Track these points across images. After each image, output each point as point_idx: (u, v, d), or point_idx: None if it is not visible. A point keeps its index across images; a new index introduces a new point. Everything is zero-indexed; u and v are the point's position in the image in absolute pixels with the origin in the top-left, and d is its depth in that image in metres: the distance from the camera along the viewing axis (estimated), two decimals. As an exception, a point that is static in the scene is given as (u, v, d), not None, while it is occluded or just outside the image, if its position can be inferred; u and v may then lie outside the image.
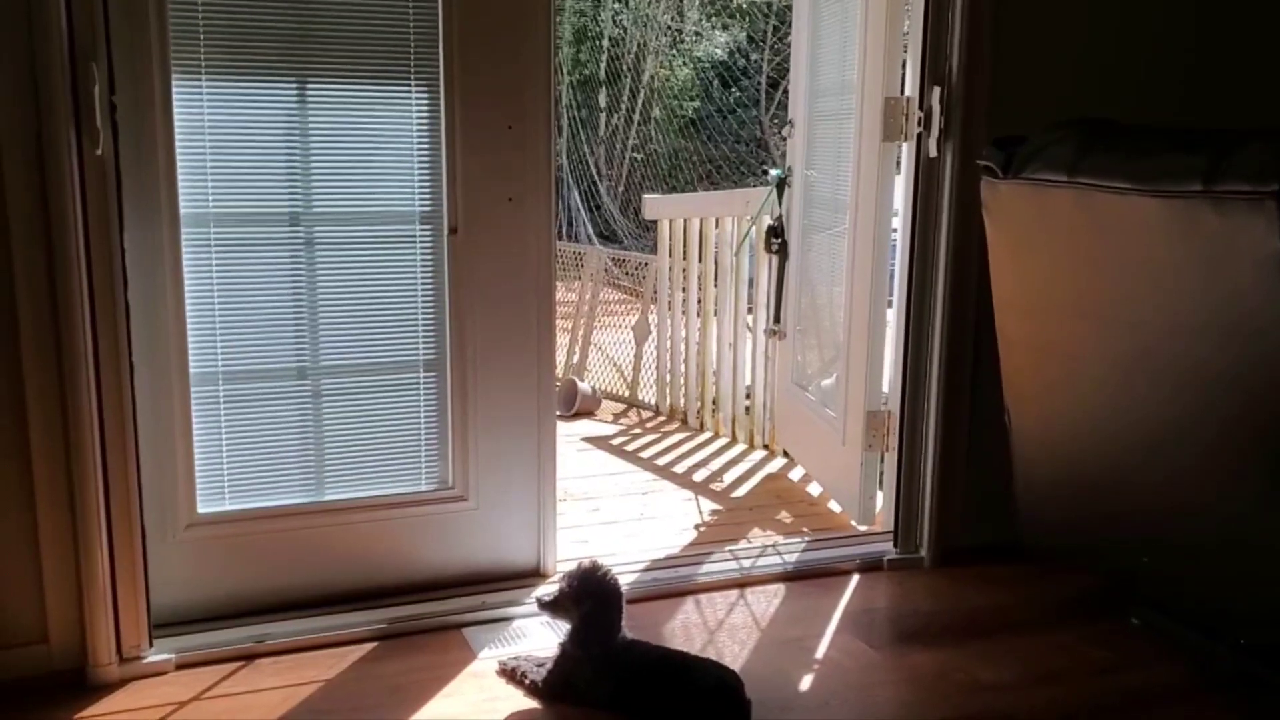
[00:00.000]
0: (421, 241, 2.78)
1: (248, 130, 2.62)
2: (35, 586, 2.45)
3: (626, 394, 5.49)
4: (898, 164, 3.26)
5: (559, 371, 5.60)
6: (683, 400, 5.01)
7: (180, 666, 2.55)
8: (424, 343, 2.83)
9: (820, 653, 2.70)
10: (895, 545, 3.24)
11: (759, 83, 11.17)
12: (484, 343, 2.85)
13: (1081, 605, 2.99)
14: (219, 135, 2.59)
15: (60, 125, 2.29)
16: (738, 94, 11.42)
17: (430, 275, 2.80)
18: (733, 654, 2.66)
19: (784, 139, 4.26)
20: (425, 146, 2.73)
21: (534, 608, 2.63)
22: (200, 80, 2.54)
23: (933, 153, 3.04)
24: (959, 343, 3.10)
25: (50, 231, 2.32)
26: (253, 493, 2.75)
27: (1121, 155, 2.41)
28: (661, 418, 5.12)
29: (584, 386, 5.26)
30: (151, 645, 2.55)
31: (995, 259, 2.77)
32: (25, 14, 2.24)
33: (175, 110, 2.52)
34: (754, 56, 11.47)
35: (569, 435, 4.70)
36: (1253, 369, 2.23)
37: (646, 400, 5.34)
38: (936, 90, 3.00)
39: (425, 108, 2.72)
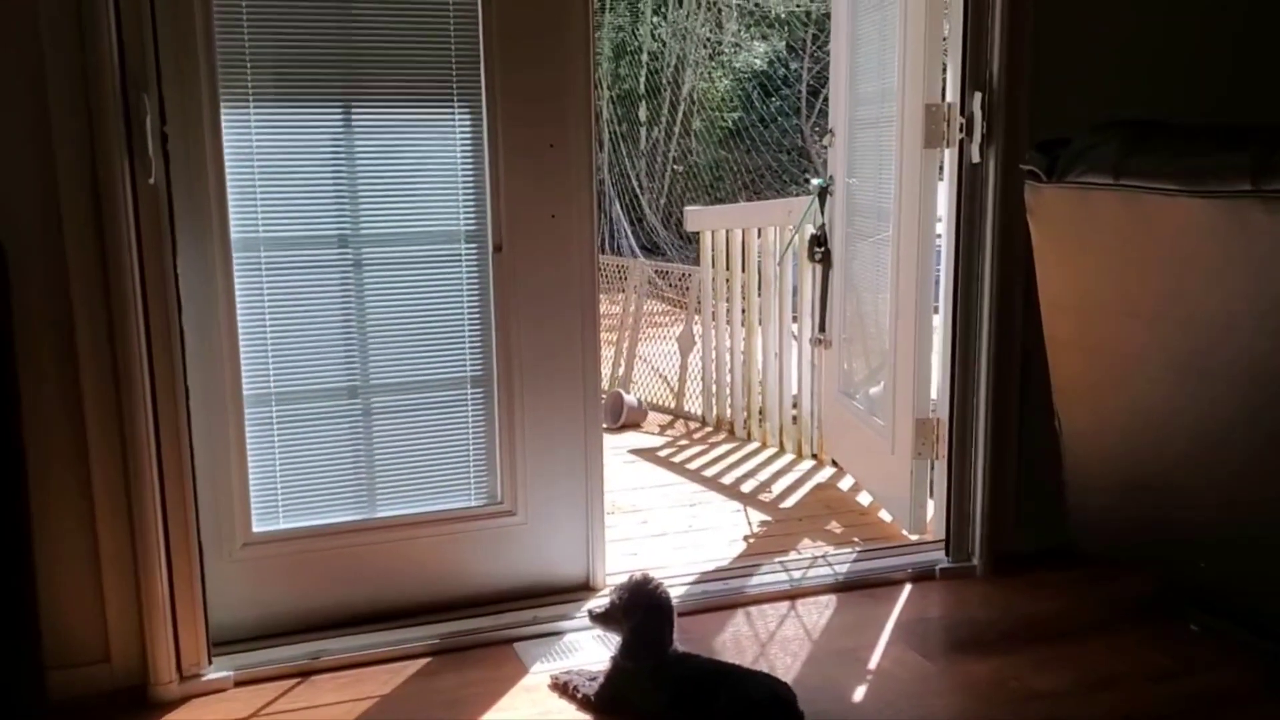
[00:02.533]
0: (467, 260, 2.81)
1: (295, 155, 2.67)
2: (97, 606, 2.50)
3: (672, 405, 5.50)
4: (940, 170, 3.25)
5: (604, 384, 5.63)
6: (729, 411, 5.00)
7: (239, 684, 2.59)
8: (471, 359, 2.86)
9: (873, 663, 2.69)
10: (947, 554, 3.21)
11: (799, 91, 11.14)
12: (530, 358, 2.87)
13: (1138, 610, 2.95)
14: (267, 160, 2.64)
15: (114, 156, 2.35)
16: (778, 103, 11.40)
17: (476, 293, 2.83)
18: (784, 666, 2.66)
19: (825, 147, 4.25)
20: (469, 166, 2.77)
21: (585, 621, 2.65)
22: (248, 107, 2.60)
23: (975, 158, 3.02)
24: (1006, 347, 3.07)
25: (106, 259, 2.38)
26: (307, 511, 2.79)
27: (1166, 155, 2.39)
28: (708, 428, 5.12)
29: (630, 399, 5.28)
30: (211, 663, 2.60)
31: (1041, 262, 2.75)
32: (79, 47, 2.30)
33: (225, 137, 2.57)
34: (794, 65, 11.45)
35: (616, 448, 4.72)
36: (1309, 367, 2.20)
37: (693, 411, 5.35)
38: (978, 95, 2.98)
39: (468, 128, 2.75)
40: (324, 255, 2.72)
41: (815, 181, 4.14)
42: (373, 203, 2.73)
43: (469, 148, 2.76)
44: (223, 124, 2.56)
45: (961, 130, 3.04)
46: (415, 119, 2.73)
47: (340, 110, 2.68)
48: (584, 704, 2.49)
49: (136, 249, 2.40)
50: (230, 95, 2.57)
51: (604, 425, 4.85)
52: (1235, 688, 2.55)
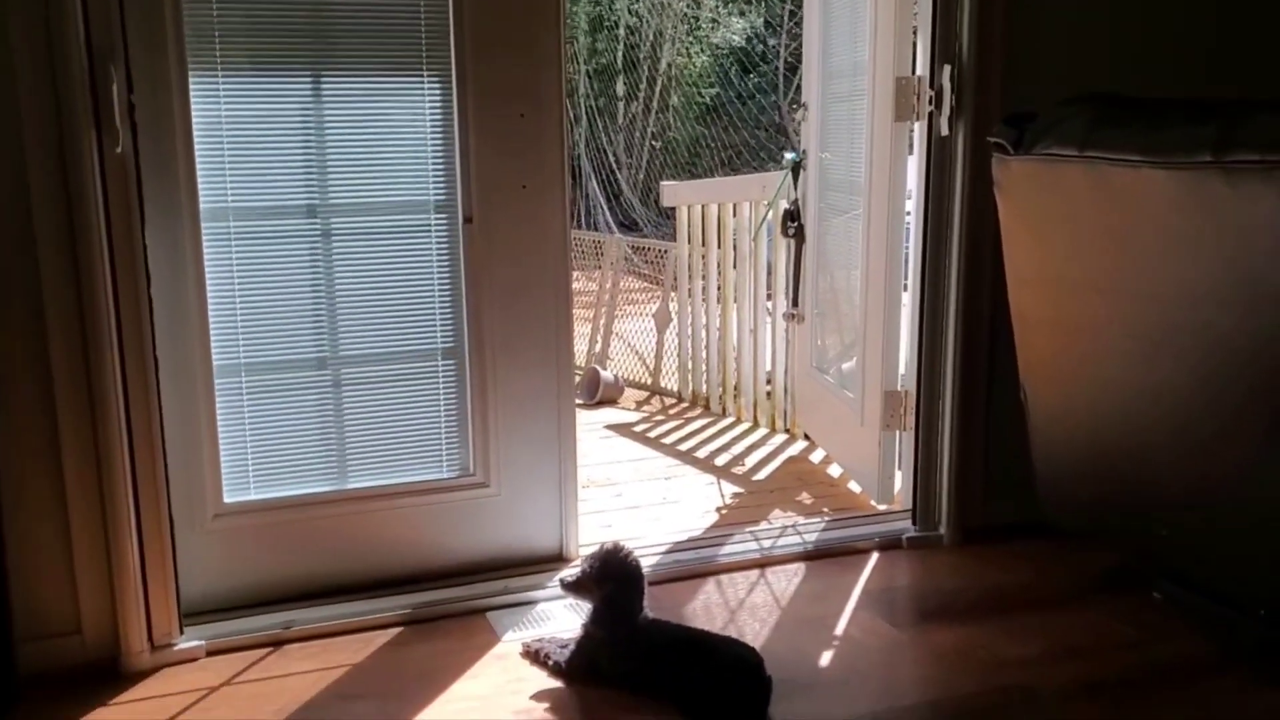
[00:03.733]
0: (437, 230, 2.81)
1: (264, 124, 2.65)
2: (67, 579, 2.50)
3: (649, 381, 5.52)
4: (911, 145, 3.26)
5: (581, 361, 5.64)
6: (705, 386, 5.03)
7: (211, 653, 2.59)
8: (442, 331, 2.86)
9: (840, 630, 2.72)
10: (914, 523, 3.25)
11: (777, 68, 11.13)
12: (502, 330, 2.88)
13: (1104, 581, 3.00)
14: (236, 130, 2.63)
15: (81, 126, 2.33)
16: (756, 80, 11.39)
17: (446, 264, 2.83)
18: (753, 632, 2.68)
19: (799, 122, 4.26)
20: (439, 136, 2.76)
21: (557, 590, 2.67)
22: (217, 76, 2.58)
23: (944, 131, 3.03)
24: (974, 321, 3.10)
25: (74, 229, 2.36)
26: (277, 482, 2.80)
27: (1133, 128, 2.40)
28: (684, 404, 5.14)
29: (606, 375, 5.29)
30: (182, 633, 2.60)
31: (1009, 237, 2.77)
32: (43, 18, 2.28)
33: (193, 106, 2.56)
34: (771, 42, 11.44)
35: (592, 423, 4.73)
36: (1273, 338, 2.23)
37: (669, 387, 5.36)
38: (947, 69, 2.99)
39: (438, 98, 2.75)
40: (293, 225, 2.71)
41: (789, 156, 4.15)
42: (342, 173, 2.72)
43: (439, 118, 2.76)
44: (191, 93, 2.55)
45: (931, 103, 3.05)
46: (385, 88, 2.72)
47: (309, 79, 2.67)
48: (555, 671, 2.51)
49: (104, 219, 2.39)
50: (198, 64, 2.56)
51: (580, 401, 4.88)
52: (1197, 655, 2.59)
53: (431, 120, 2.75)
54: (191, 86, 2.55)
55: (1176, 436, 2.52)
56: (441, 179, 2.78)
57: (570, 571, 2.59)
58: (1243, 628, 2.61)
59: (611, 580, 2.50)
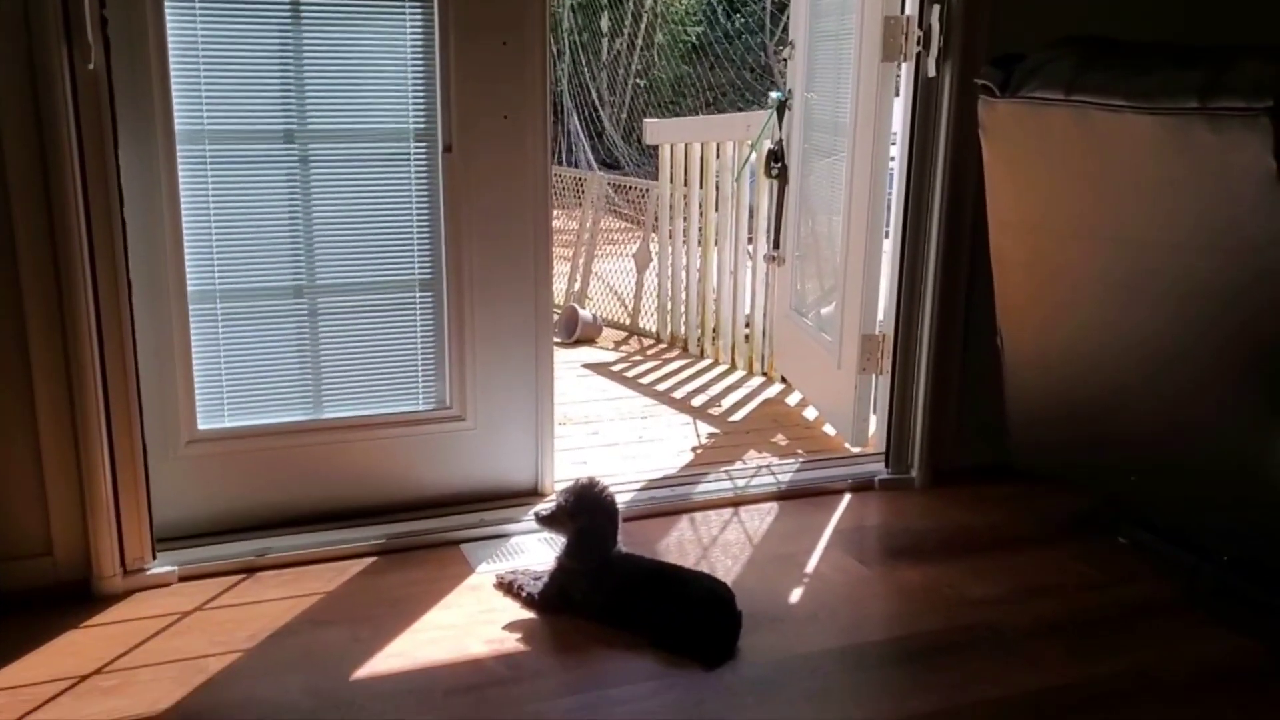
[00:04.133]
0: (416, 159, 2.77)
1: (241, 46, 2.60)
2: (39, 501, 2.49)
3: (627, 321, 5.51)
4: (898, 87, 3.24)
5: (560, 300, 5.62)
6: (683, 328, 5.02)
7: (183, 579, 2.60)
8: (419, 262, 2.84)
9: (810, 568, 2.75)
10: (887, 466, 3.28)
11: (764, 6, 10.99)
12: (480, 262, 2.86)
13: (1071, 524, 3.04)
14: (212, 51, 2.57)
15: (51, 40, 2.28)
16: (742, 19, 11.24)
17: (425, 193, 2.80)
18: (725, 569, 2.71)
19: (785, 60, 4.22)
20: (419, 63, 2.72)
21: (531, 524, 2.68)
22: (192, -5, 2.53)
23: (931, 72, 3.01)
24: (954, 265, 3.10)
25: (45, 148, 2.32)
26: (252, 410, 2.78)
27: (1119, 72, 2.39)
28: (662, 345, 5.14)
29: (585, 314, 5.27)
30: (155, 558, 2.60)
31: (992, 180, 2.76)
32: (13, -74, 2.22)
33: (168, 26, 2.50)
34: (760, -20, 11.27)
35: (570, 362, 4.73)
36: (1250, 286, 2.24)
37: (647, 328, 5.36)
38: (936, 8, 2.96)
39: (419, 23, 2.70)
40: (270, 150, 2.67)
41: (774, 95, 4.10)
42: (320, 98, 2.67)
43: (419, 43, 2.71)
44: (166, 11, 2.49)
45: (919, 44, 3.02)
46: (365, 12, 2.67)
47: (288, 1, 2.61)
48: (528, 602, 2.53)
49: (76, 138, 2.34)
50: (173, -19, 2.50)
51: (559, 340, 4.87)
52: (1159, 597, 2.64)
53: (412, 46, 2.70)
54: (167, 4, 2.49)
55: (1149, 383, 2.55)
56: (421, 107, 2.74)
57: (545, 505, 2.60)
58: (1204, 572, 2.66)
59: (586, 514, 2.51)
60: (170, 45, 2.51)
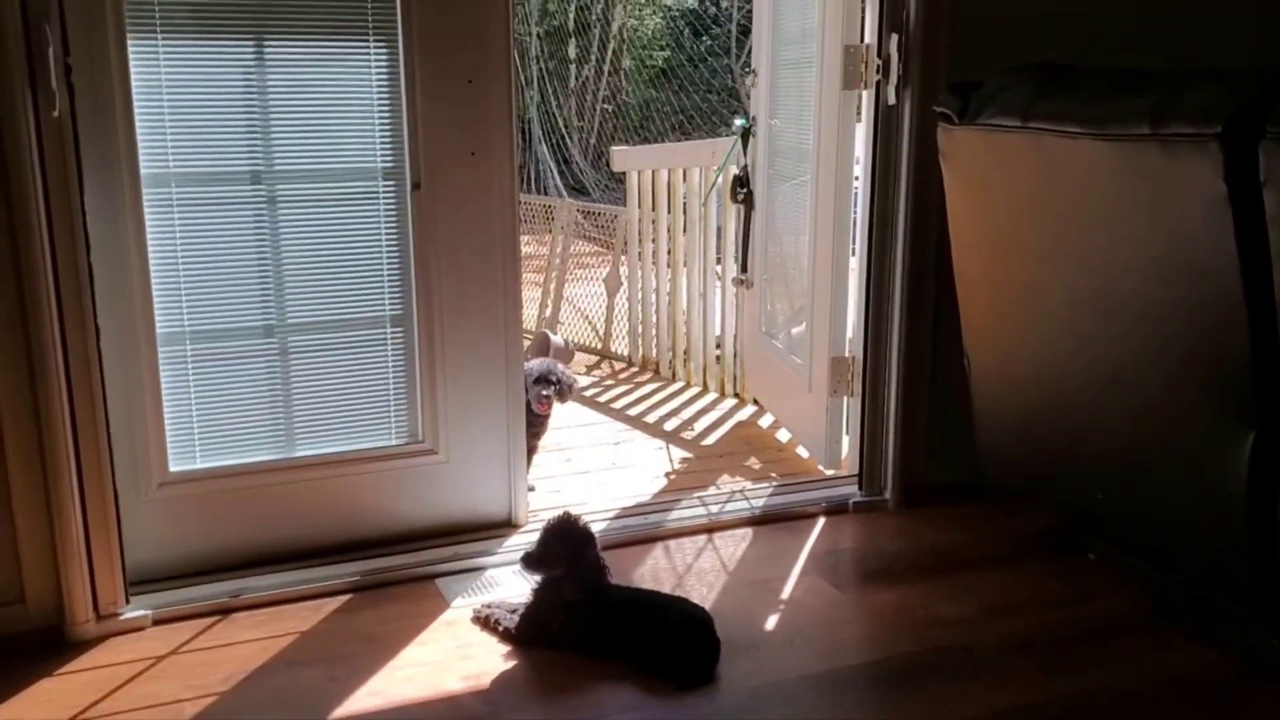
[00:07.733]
0: (385, 197, 2.79)
1: (206, 89, 2.61)
2: (10, 547, 2.47)
3: (599, 346, 5.53)
4: (859, 112, 3.28)
5: (531, 325, 5.63)
6: (655, 351, 5.05)
7: (157, 622, 2.59)
8: (390, 298, 2.85)
9: (786, 593, 2.77)
10: (860, 488, 3.30)
11: (729, 31, 11.09)
12: (450, 297, 2.87)
13: (1040, 541, 3.07)
14: (177, 94, 2.58)
15: (15, 88, 2.28)
16: (709, 43, 11.34)
17: (394, 230, 2.81)
18: (700, 596, 2.72)
19: (750, 87, 4.27)
20: (385, 102, 2.74)
21: (507, 556, 2.69)
22: (156, 39, 2.53)
23: (892, 100, 3.06)
24: (920, 287, 3.14)
25: (10, 194, 2.32)
26: (224, 450, 2.78)
27: (1074, 99, 2.44)
28: (634, 369, 5.16)
29: (556, 339, 5.27)
30: (128, 602, 2.59)
31: (953, 205, 2.80)
32: (-25, -25, 2.22)
33: (132, 70, 2.51)
34: (724, 4, 11.38)
35: (542, 388, 4.73)
36: (1203, 308, 2.28)
37: (619, 351, 5.38)
38: (895, 37, 3.01)
39: (384, 63, 2.72)
40: (237, 191, 2.68)
41: (739, 122, 4.15)
42: (287, 139, 2.69)
43: (385, 83, 2.73)
44: (130, 56, 2.50)
45: (879, 72, 3.07)
46: (329, 52, 2.69)
47: (252, 44, 2.62)
48: (506, 637, 2.53)
49: (42, 184, 2.34)
50: (137, 26, 2.51)
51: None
52: (1128, 613, 2.67)
53: (378, 85, 2.72)
54: (130, 49, 2.50)
55: (1111, 400, 2.58)
56: (389, 145, 2.76)
57: (532, 549, 2.55)
58: (1172, 586, 2.70)
59: (574, 550, 2.50)
60: (135, 89, 2.52)
